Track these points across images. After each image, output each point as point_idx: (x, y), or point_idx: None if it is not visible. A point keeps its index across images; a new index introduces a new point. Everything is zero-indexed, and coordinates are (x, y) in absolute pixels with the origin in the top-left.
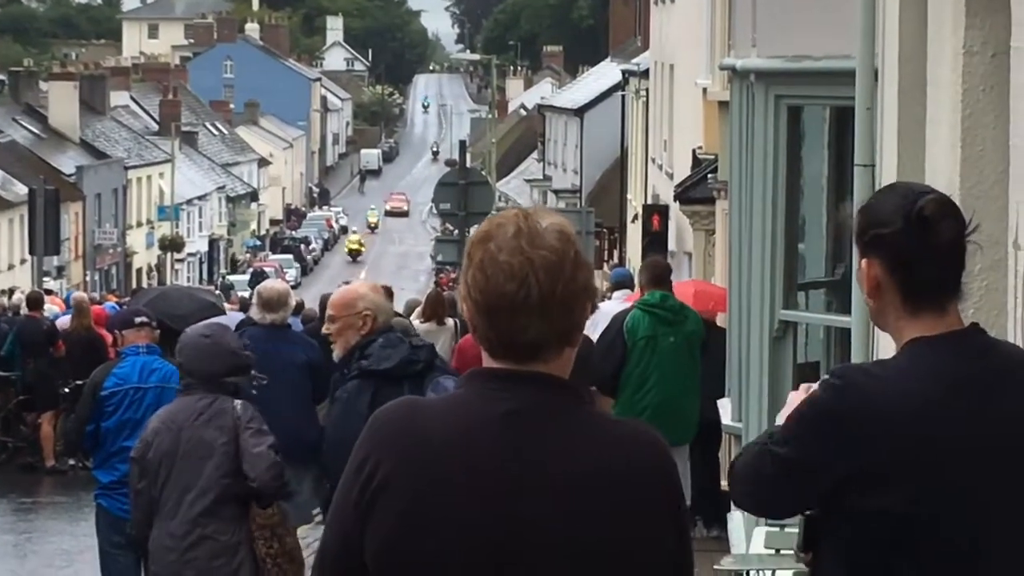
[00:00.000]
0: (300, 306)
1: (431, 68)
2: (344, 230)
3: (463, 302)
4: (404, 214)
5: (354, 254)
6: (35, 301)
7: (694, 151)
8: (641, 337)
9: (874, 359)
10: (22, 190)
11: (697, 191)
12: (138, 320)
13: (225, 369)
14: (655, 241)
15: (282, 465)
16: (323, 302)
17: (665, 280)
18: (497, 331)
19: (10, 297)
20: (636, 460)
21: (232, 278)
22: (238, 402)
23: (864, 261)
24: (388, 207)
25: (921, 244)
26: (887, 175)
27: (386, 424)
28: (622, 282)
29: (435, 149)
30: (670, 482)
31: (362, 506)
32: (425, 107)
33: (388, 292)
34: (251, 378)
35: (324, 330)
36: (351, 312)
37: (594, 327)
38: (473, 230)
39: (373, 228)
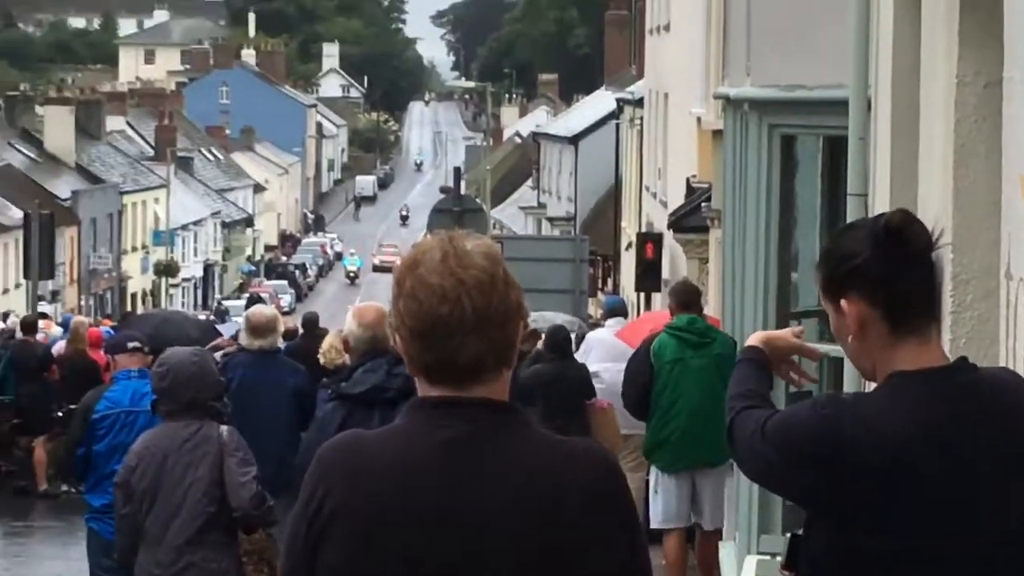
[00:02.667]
0: (292, 332)
1: (425, 99)
2: (339, 256)
3: (394, 332)
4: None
5: (352, 277)
6: (29, 325)
7: (688, 180)
8: (668, 361)
9: (864, 389)
10: (17, 214)
11: (691, 219)
12: (131, 345)
13: (211, 394)
14: (649, 270)
15: (264, 496)
16: (305, 321)
17: (694, 303)
18: (434, 355)
19: (4, 320)
20: (580, 478)
21: (228, 303)
22: (224, 428)
23: (843, 303)
24: (377, 261)
25: (897, 257)
26: (880, 204)
27: (331, 456)
28: (614, 310)
29: (418, 161)
30: (619, 498)
31: (311, 538)
32: (418, 165)
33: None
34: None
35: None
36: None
37: (586, 354)
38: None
39: (352, 279)
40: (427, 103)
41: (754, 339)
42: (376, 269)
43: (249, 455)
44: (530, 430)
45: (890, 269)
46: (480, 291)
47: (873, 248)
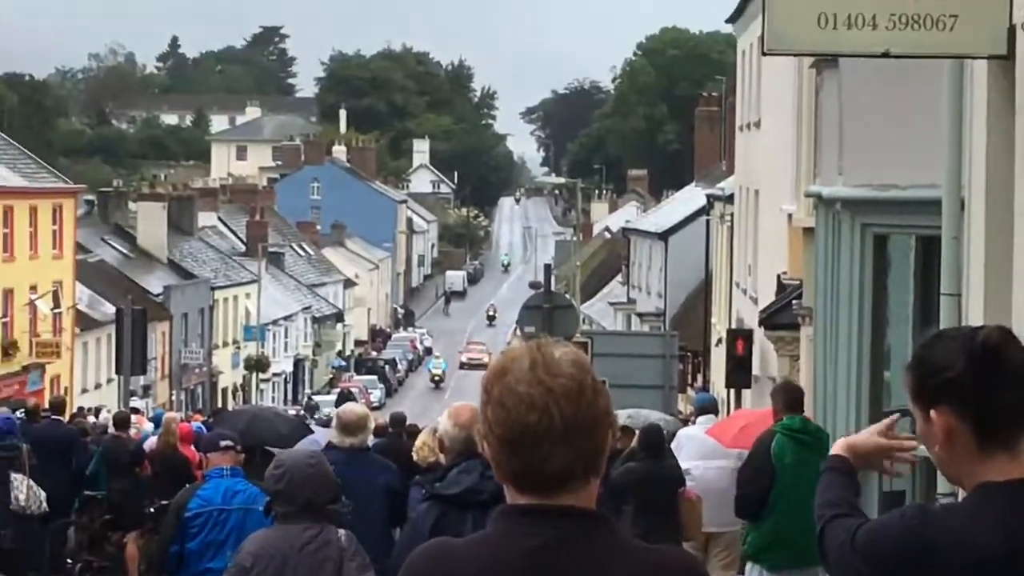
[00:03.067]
0: (382, 429)
1: (516, 197)
2: (428, 351)
3: (483, 440)
4: (485, 367)
5: (436, 381)
6: (122, 421)
7: (779, 276)
8: (788, 463)
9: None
10: (110, 309)
11: (782, 316)
12: (223, 443)
13: (329, 497)
14: (739, 366)
15: None
16: (393, 420)
17: (800, 403)
18: (522, 463)
19: (97, 416)
20: None
21: (318, 398)
22: (342, 532)
23: (932, 413)
24: (464, 358)
25: (991, 375)
26: (974, 304)
27: (421, 563)
28: (706, 407)
29: (491, 314)
30: None
31: None
32: (505, 266)
33: None
34: (343, 505)
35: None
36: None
37: (677, 451)
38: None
39: (437, 382)
40: (518, 201)
41: (838, 447)
42: (463, 366)
43: (367, 559)
44: (618, 538)
45: (983, 386)
46: (568, 400)
47: (967, 363)
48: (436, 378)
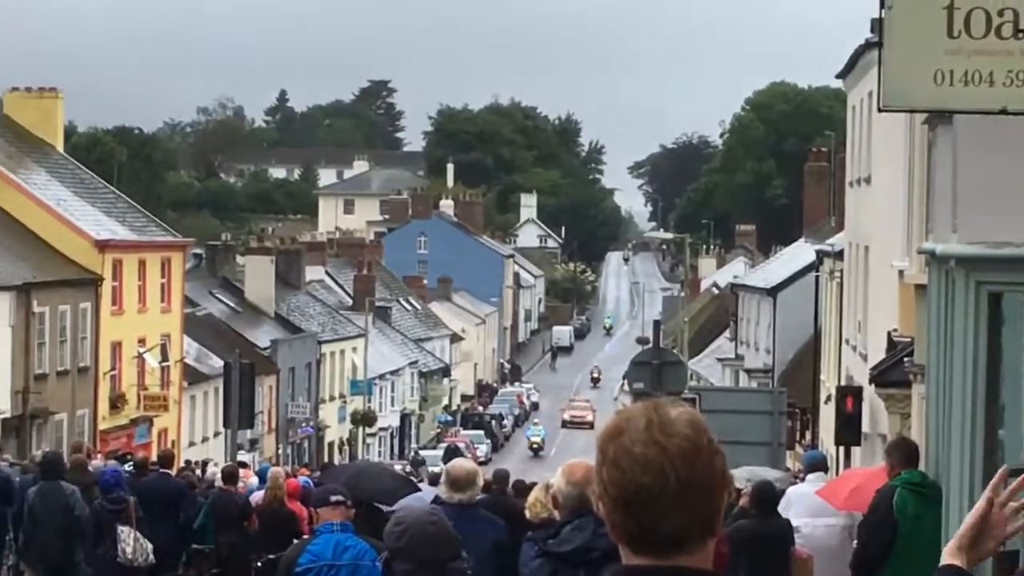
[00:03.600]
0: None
1: (624, 256)
2: (535, 406)
3: (598, 500)
4: (589, 425)
5: (535, 449)
6: (230, 476)
7: (889, 333)
8: (911, 516)
9: None
10: (217, 363)
11: (893, 374)
12: (333, 498)
13: (450, 554)
14: (849, 423)
15: None
16: (496, 476)
17: (916, 457)
18: (637, 524)
19: (204, 469)
20: None
21: (424, 453)
22: None
23: None
24: (567, 416)
25: None
26: None
27: None
28: (815, 465)
29: (595, 376)
30: None
31: None
32: (607, 329)
33: None
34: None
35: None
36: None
37: (786, 508)
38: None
39: (536, 450)
40: (626, 260)
41: (948, 554)
42: (566, 425)
43: None
44: None
45: None
46: (684, 461)
47: None
48: (535, 446)
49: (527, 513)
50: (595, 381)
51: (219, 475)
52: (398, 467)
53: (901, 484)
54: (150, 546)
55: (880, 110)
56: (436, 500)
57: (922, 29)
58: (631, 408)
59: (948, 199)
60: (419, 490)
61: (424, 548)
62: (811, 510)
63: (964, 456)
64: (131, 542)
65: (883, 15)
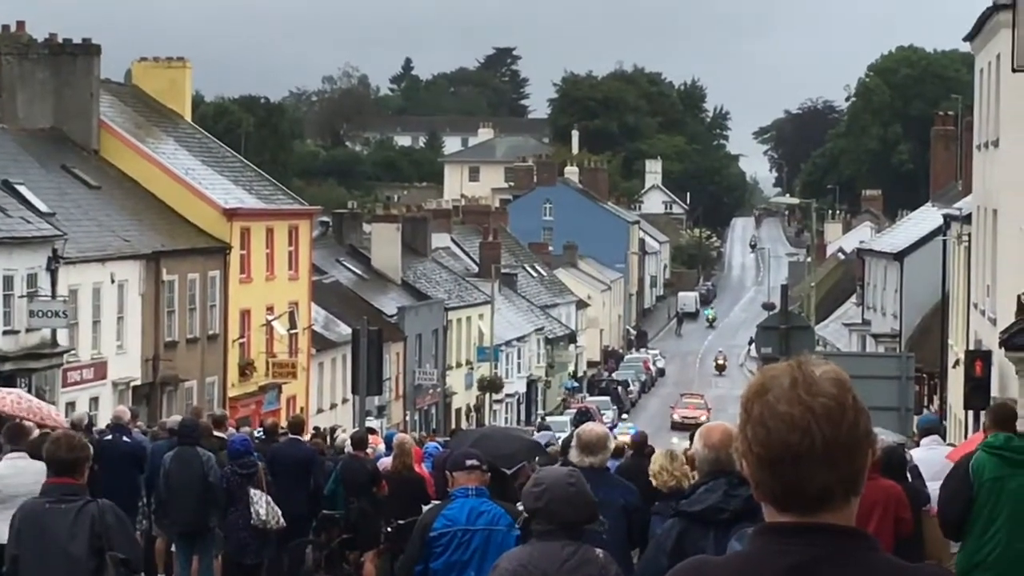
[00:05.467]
0: (620, 449)
1: (751, 243)
2: (661, 372)
3: (742, 458)
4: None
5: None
6: (360, 441)
7: (1019, 297)
8: (987, 479)
9: None
10: (345, 330)
11: (1022, 337)
12: (469, 463)
13: (587, 517)
14: (978, 387)
15: None
16: (634, 440)
17: (1010, 422)
18: (782, 483)
19: (332, 436)
20: None
21: (551, 419)
22: (600, 552)
23: None
24: (677, 416)
25: None
26: None
27: None
28: (929, 428)
29: (720, 362)
30: None
31: None
32: (710, 321)
33: None
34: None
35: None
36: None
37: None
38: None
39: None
40: (753, 247)
41: None
42: (676, 427)
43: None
44: (877, 556)
45: None
46: (829, 420)
47: None
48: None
49: (652, 481)
50: (720, 369)
51: (349, 441)
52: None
53: (982, 447)
54: (279, 510)
55: (1014, 70)
56: (565, 462)
57: None
58: (776, 366)
59: None
60: (546, 454)
61: (562, 510)
62: (929, 473)
63: None
64: (264, 505)
65: None
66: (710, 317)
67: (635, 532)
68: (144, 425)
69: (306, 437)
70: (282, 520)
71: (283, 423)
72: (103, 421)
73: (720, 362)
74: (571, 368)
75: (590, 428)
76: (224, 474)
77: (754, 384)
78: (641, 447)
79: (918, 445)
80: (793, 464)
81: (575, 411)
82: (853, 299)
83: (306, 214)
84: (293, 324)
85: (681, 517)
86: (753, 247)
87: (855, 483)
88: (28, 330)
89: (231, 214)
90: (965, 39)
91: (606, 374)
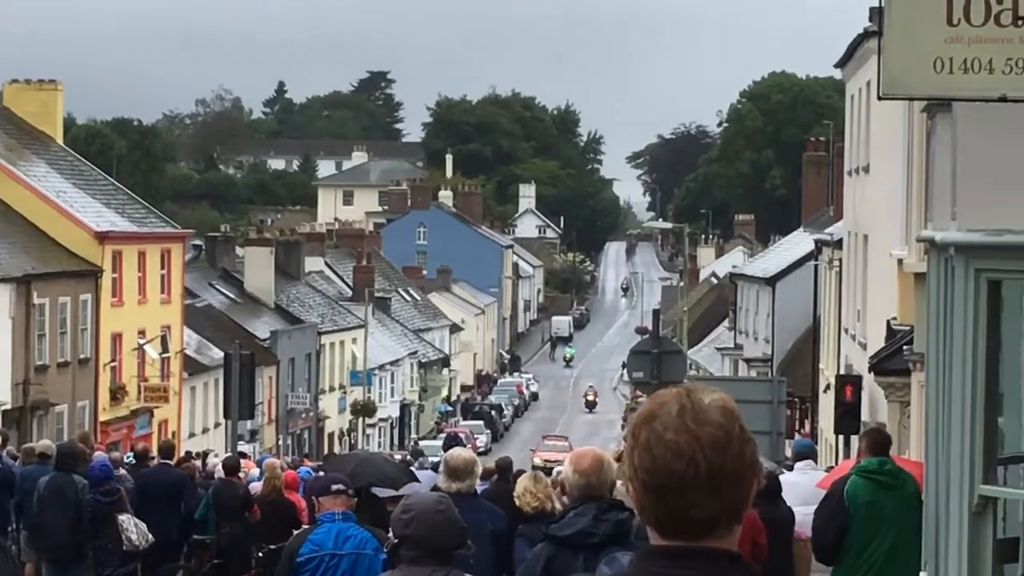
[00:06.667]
0: (491, 473)
1: (623, 286)
2: (535, 397)
3: (628, 483)
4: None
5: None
6: (232, 467)
7: (888, 322)
8: (862, 503)
9: None
10: (217, 354)
11: (892, 362)
12: (335, 487)
13: (456, 543)
14: (848, 412)
15: None
16: (499, 465)
17: (886, 447)
18: (667, 509)
19: (204, 460)
20: None
21: (424, 443)
22: None
23: None
24: (537, 459)
25: None
26: None
27: None
28: (803, 453)
29: (590, 399)
30: None
31: None
32: (567, 360)
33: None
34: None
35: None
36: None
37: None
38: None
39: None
40: (625, 290)
41: None
42: (537, 470)
43: None
44: None
45: None
46: (715, 449)
47: None
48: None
49: (517, 502)
50: (590, 406)
51: (221, 466)
52: (398, 457)
53: (856, 472)
54: (144, 525)
55: (880, 98)
56: (434, 489)
57: (921, 17)
58: (665, 393)
59: (947, 187)
60: (418, 480)
61: (432, 536)
62: (803, 498)
63: (964, 444)
64: (133, 528)
65: (882, 3)
66: (567, 357)
67: (502, 557)
68: (15, 450)
69: (176, 461)
70: (149, 535)
71: (154, 448)
72: None
73: (590, 398)
74: (444, 392)
75: (457, 453)
76: (88, 501)
77: (643, 410)
78: (506, 471)
79: (791, 469)
80: (678, 491)
81: (444, 436)
82: (726, 323)
83: (179, 237)
84: (165, 348)
85: (551, 541)
86: (625, 290)
87: (739, 512)
88: None
89: (103, 237)
90: (836, 65)
91: (479, 398)
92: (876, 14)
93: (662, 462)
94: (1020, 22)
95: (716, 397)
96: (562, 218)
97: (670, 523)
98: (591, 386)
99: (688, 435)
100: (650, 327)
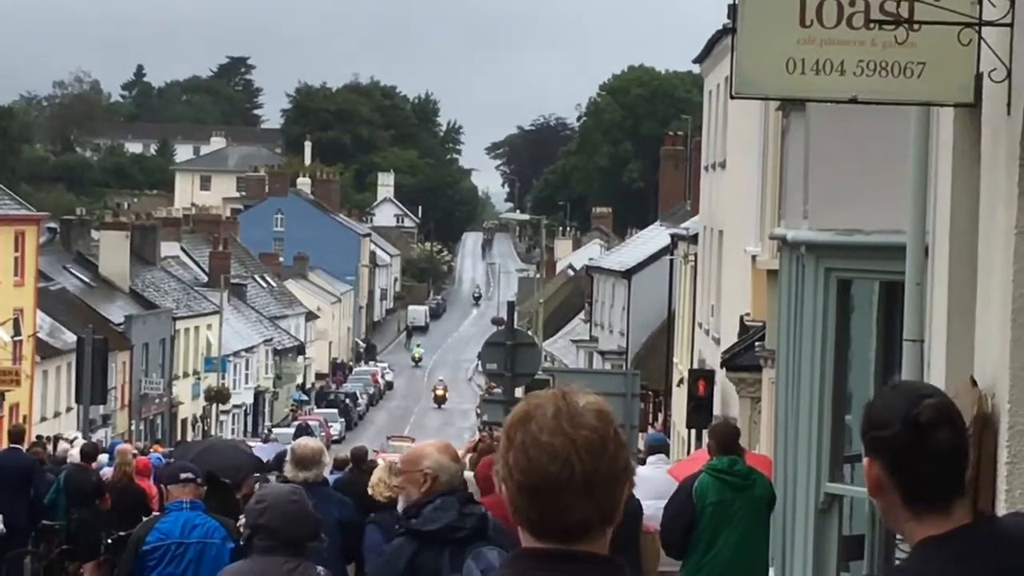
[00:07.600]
0: (344, 463)
1: (484, 228)
2: (390, 386)
3: (502, 483)
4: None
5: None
6: (89, 453)
7: (742, 318)
8: (710, 502)
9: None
10: (71, 338)
11: (744, 358)
12: (183, 476)
13: (310, 534)
14: (700, 406)
15: None
16: (354, 455)
17: (734, 444)
18: (540, 512)
19: (55, 445)
20: None
21: (277, 431)
22: (321, 568)
23: (866, 460)
24: (381, 461)
25: (918, 449)
26: (936, 351)
27: None
28: (656, 446)
29: (440, 392)
30: None
31: None
32: (476, 299)
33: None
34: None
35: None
36: (414, 469)
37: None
38: (512, 410)
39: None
40: (477, 298)
41: None
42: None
43: None
44: None
45: (909, 458)
46: (590, 452)
47: (901, 428)
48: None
49: (370, 491)
50: (440, 401)
51: (76, 451)
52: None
53: (707, 470)
54: None
55: (732, 97)
56: (281, 479)
57: (774, 17)
58: (541, 394)
59: (800, 186)
60: (266, 468)
61: (285, 526)
62: (655, 492)
63: (812, 441)
64: None
65: (736, 1)
66: (416, 357)
67: (349, 546)
68: None
69: (27, 446)
70: (1, 527)
71: (4, 432)
72: None
73: (440, 392)
74: (299, 380)
75: (304, 443)
76: None
77: (518, 411)
78: (361, 461)
79: (643, 463)
80: (553, 494)
81: (296, 426)
82: (581, 316)
83: (33, 220)
84: (17, 331)
85: (412, 536)
86: (477, 299)
87: (612, 515)
88: None
89: None
90: (695, 61)
91: (334, 386)
92: (733, 11)
93: (537, 464)
94: (872, 25)
95: (591, 400)
96: (420, 207)
97: (544, 525)
98: (440, 379)
99: (564, 438)
100: (505, 318)
